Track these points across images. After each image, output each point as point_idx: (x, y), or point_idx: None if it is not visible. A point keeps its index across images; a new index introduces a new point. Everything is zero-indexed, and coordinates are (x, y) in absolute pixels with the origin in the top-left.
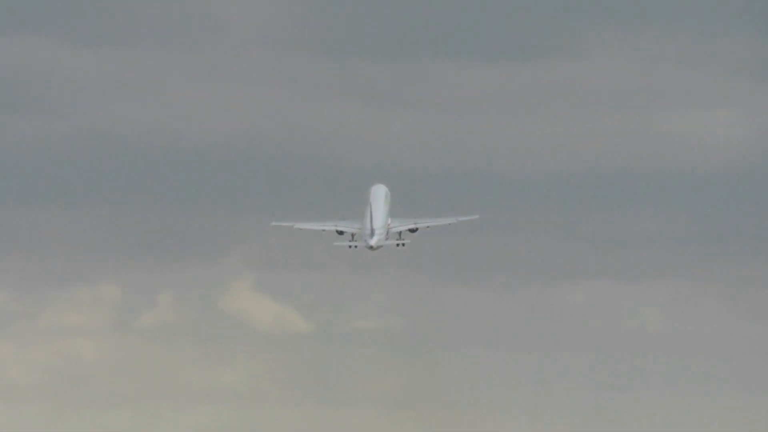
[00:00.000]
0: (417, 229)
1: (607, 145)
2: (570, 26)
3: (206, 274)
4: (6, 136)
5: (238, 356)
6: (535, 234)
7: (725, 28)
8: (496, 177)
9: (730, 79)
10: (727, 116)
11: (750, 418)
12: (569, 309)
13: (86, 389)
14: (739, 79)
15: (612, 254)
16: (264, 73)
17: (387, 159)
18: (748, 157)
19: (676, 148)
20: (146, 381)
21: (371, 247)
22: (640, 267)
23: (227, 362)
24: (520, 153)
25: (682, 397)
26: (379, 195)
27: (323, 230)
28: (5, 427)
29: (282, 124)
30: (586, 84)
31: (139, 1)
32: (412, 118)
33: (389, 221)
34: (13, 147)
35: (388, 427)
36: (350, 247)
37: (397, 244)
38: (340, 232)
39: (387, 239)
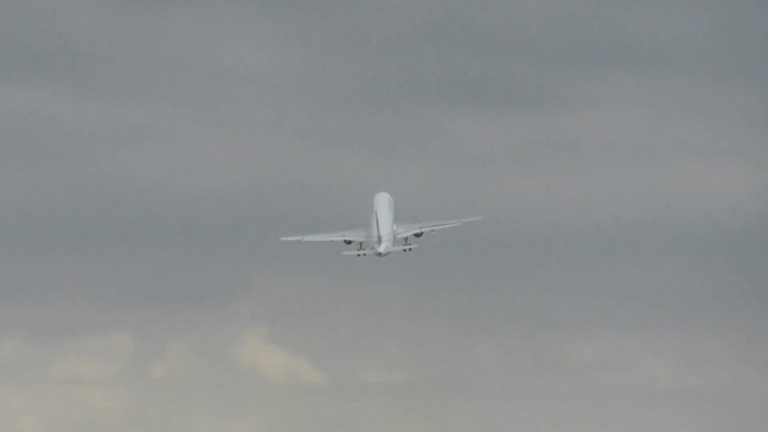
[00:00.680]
0: (422, 233)
1: (616, 195)
2: (577, 77)
3: (218, 324)
4: (19, 187)
5: (249, 407)
6: (543, 284)
7: (734, 79)
8: (504, 226)
9: (738, 130)
10: (736, 167)
11: None
12: (578, 360)
13: None
14: (747, 130)
15: (621, 305)
16: (272, 123)
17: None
18: (758, 208)
19: (684, 199)
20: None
21: (380, 254)
22: (649, 318)
23: (238, 413)
24: (527, 202)
25: None
26: (383, 202)
27: (331, 241)
28: None
29: (291, 175)
30: (594, 134)
31: (147, 54)
32: (418, 169)
33: (395, 227)
34: (26, 197)
35: None
36: (359, 255)
37: (404, 249)
38: (348, 242)
39: (394, 245)
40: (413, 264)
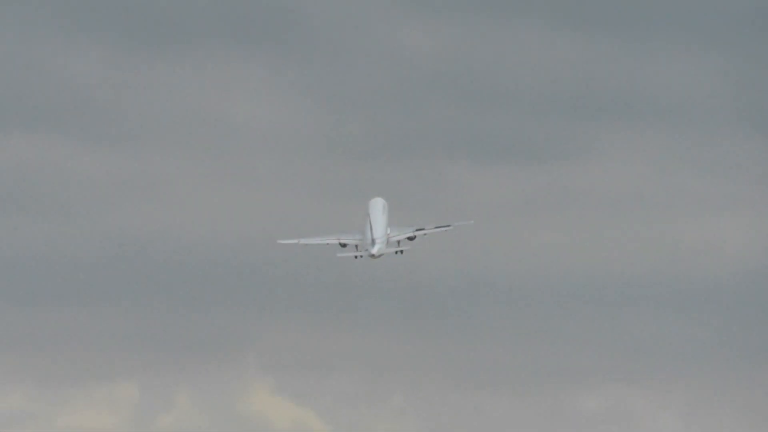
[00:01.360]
0: (415, 237)
1: (620, 248)
2: (579, 129)
3: (224, 375)
4: (24, 237)
5: None
6: (548, 338)
7: (738, 132)
8: (509, 278)
9: (743, 184)
10: (742, 220)
11: None
12: (583, 413)
13: None
14: (752, 184)
15: (626, 358)
16: (275, 175)
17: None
18: (764, 262)
19: (689, 252)
20: None
21: (373, 256)
22: (654, 372)
23: None
24: (530, 254)
25: None
26: (378, 207)
27: (327, 243)
28: None
29: (295, 225)
30: (597, 187)
31: (151, 105)
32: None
33: (388, 231)
34: (31, 247)
35: None
36: (356, 257)
37: (396, 252)
38: (343, 245)
39: (387, 247)
40: (418, 311)
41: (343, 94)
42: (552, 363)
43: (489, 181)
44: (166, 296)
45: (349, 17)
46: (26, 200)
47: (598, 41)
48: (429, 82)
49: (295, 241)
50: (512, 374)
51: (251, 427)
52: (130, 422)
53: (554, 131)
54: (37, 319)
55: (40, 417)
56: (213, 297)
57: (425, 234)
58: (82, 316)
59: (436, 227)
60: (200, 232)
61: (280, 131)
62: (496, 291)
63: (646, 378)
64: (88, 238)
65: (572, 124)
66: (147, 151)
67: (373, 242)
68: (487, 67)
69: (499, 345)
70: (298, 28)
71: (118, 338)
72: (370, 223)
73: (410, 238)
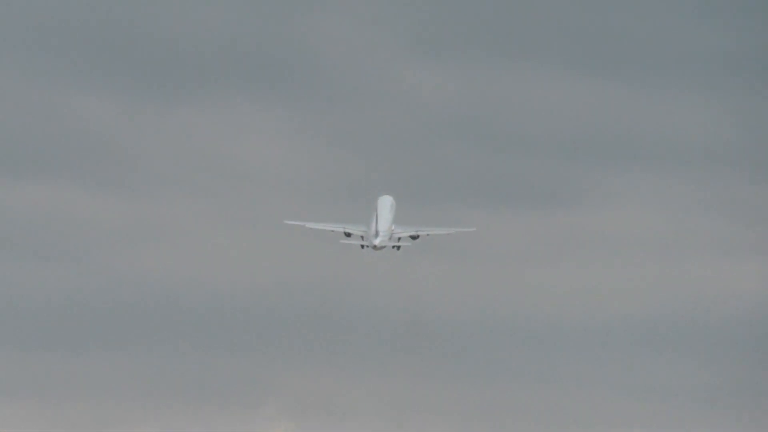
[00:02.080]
0: (418, 236)
1: (634, 292)
2: (594, 173)
3: (243, 422)
4: (38, 283)
5: None
6: (556, 382)
7: (755, 176)
8: (517, 321)
9: (759, 228)
10: (756, 265)
11: None
12: None
13: None
14: (766, 228)
15: (639, 402)
16: (288, 220)
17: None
18: None
19: (703, 296)
20: None
21: (375, 247)
22: (666, 417)
23: None
24: (543, 300)
25: None
26: (386, 204)
27: (332, 231)
28: None
29: (309, 270)
30: (613, 231)
31: (164, 151)
32: (438, 265)
33: (393, 227)
34: (45, 294)
35: None
36: (363, 247)
37: (393, 246)
38: (348, 234)
39: (390, 241)
40: (429, 356)
41: (356, 138)
42: (558, 408)
43: (498, 224)
44: (183, 342)
45: (363, 62)
46: (40, 247)
47: (606, 86)
48: (441, 126)
49: (302, 223)
50: (524, 418)
51: None
52: None
53: (563, 175)
54: (50, 367)
55: None
56: (228, 343)
57: (428, 235)
58: (96, 363)
59: (439, 229)
60: (215, 278)
61: (295, 176)
62: (504, 334)
63: (658, 423)
64: (102, 284)
65: (581, 168)
66: (162, 197)
67: (376, 234)
68: (497, 112)
69: (510, 388)
70: (312, 74)
71: (131, 386)
72: (377, 217)
73: (413, 237)
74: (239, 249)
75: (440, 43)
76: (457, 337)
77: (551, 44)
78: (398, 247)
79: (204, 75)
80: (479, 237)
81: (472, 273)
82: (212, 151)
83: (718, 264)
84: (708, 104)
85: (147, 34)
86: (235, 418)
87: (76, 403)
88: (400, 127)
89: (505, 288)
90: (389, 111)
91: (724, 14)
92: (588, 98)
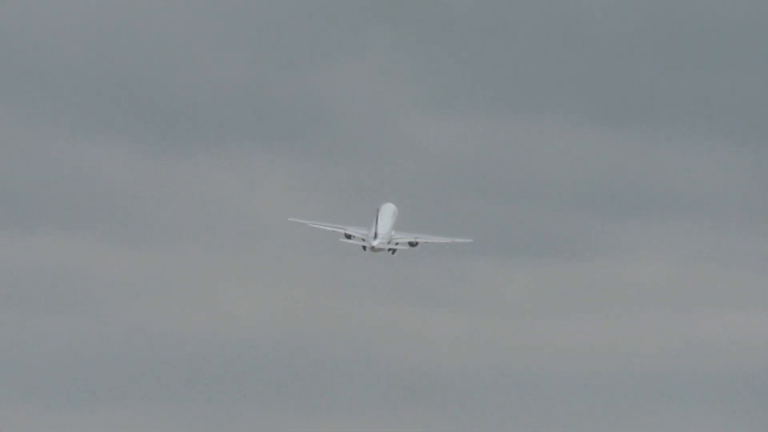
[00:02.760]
0: (417, 243)
1: (647, 344)
2: (604, 226)
3: None
4: (48, 335)
5: None
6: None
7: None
8: (531, 373)
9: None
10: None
11: None
12: None
13: None
14: None
15: None
16: (305, 270)
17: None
18: None
19: (716, 349)
20: None
21: (373, 248)
22: None
23: None
24: (555, 350)
25: None
26: (388, 211)
27: (334, 231)
28: None
29: (322, 322)
30: (624, 283)
31: (179, 203)
32: (448, 317)
33: (393, 233)
34: (57, 346)
35: None
36: (364, 248)
37: (389, 249)
38: (348, 236)
39: (388, 244)
40: (438, 407)
41: (368, 190)
42: None
43: (512, 275)
44: (197, 395)
45: (374, 115)
46: (54, 300)
47: (619, 137)
48: (453, 177)
49: (306, 222)
50: None
51: None
52: None
53: (578, 227)
54: (66, 420)
55: None
56: (242, 395)
57: (426, 243)
58: (109, 415)
59: (437, 238)
60: (229, 332)
61: (310, 233)
62: (517, 386)
63: None
64: (116, 337)
65: (594, 219)
66: (174, 250)
67: (375, 236)
68: (512, 163)
69: None
70: (323, 127)
71: None
72: (377, 221)
73: (411, 244)
74: (253, 304)
75: (454, 95)
76: (462, 387)
77: (564, 96)
78: (394, 251)
79: (216, 128)
80: (490, 287)
81: (479, 324)
82: (226, 204)
83: (734, 318)
84: (722, 156)
85: (159, 86)
86: None
87: None
88: (413, 179)
89: (516, 342)
90: (401, 164)
91: (739, 65)
92: (600, 149)
